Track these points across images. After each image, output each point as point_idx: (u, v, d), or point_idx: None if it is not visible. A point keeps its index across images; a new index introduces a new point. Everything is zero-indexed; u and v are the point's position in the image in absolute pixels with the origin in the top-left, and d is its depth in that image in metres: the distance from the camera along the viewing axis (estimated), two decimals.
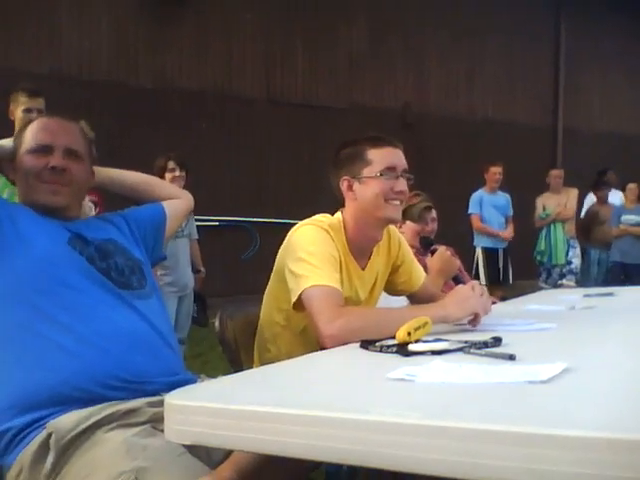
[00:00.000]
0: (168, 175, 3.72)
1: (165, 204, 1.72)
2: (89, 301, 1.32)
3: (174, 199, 1.75)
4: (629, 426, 0.67)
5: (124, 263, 1.45)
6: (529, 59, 10.00)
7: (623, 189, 6.69)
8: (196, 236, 4.18)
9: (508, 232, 5.91)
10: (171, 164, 3.77)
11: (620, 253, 6.54)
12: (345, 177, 1.70)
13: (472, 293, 1.49)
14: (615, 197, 6.81)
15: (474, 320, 1.49)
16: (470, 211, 5.98)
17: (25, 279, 1.31)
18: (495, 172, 5.97)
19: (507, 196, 6.08)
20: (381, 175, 1.65)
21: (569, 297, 2.35)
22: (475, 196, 6.00)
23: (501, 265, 5.98)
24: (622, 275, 6.41)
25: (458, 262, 2.16)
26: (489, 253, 5.80)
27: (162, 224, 1.69)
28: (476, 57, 9.54)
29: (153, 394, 1.24)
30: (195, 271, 4.04)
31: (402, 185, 1.66)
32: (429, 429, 0.70)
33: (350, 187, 1.70)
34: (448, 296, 1.54)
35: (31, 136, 1.48)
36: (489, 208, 5.98)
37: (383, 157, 1.67)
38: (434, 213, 3.00)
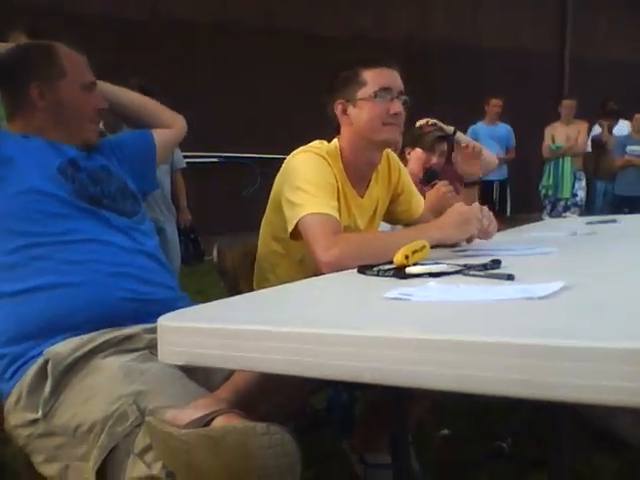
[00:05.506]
0: None
1: (155, 132, 1.66)
2: (78, 228, 1.30)
3: (164, 129, 1.68)
4: (626, 336, 0.65)
5: (116, 190, 1.43)
6: None
7: (629, 119, 6.52)
8: (182, 165, 3.69)
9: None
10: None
11: (625, 185, 6.43)
12: (340, 101, 1.65)
13: (473, 215, 1.47)
14: (623, 128, 6.64)
15: (469, 240, 1.49)
16: None
17: (12, 211, 1.28)
18: (495, 104, 5.83)
19: (508, 127, 5.93)
20: (376, 97, 1.59)
21: (571, 225, 2.33)
22: (471, 129, 5.88)
23: (496, 197, 5.91)
24: (626, 208, 6.30)
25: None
26: (482, 185, 5.73)
27: (152, 154, 1.64)
28: None
29: (151, 310, 1.21)
30: (176, 206, 3.62)
31: (397, 107, 1.61)
32: (425, 342, 0.69)
33: (345, 111, 1.65)
34: (448, 215, 1.50)
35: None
36: (486, 140, 5.84)
37: (377, 77, 1.61)
38: (445, 146, 2.89)
